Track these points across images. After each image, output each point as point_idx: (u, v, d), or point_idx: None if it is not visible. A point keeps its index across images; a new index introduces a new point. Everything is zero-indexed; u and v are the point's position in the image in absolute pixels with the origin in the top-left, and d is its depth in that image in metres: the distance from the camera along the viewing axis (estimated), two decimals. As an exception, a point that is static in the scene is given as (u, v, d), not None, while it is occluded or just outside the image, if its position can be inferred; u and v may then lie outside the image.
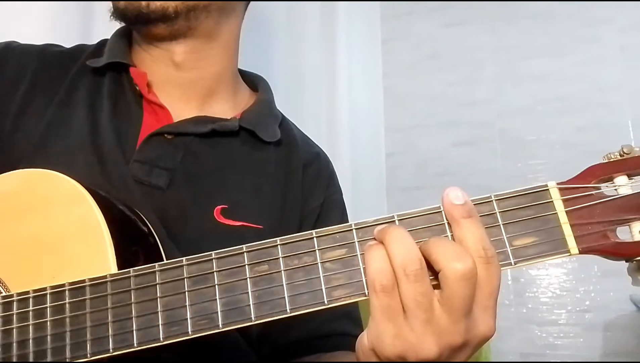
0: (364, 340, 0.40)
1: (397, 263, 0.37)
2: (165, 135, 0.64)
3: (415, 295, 0.37)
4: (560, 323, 1.93)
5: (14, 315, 0.45)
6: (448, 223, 0.40)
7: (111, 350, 0.42)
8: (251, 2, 0.76)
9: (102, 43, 0.71)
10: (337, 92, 1.85)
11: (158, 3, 0.61)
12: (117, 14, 0.63)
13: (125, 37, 0.71)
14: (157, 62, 0.68)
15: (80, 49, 0.72)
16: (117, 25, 0.71)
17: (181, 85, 0.69)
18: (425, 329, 0.37)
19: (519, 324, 1.97)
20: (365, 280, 0.39)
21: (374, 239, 0.40)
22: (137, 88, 0.65)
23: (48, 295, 0.45)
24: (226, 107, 0.72)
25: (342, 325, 0.68)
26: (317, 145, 0.81)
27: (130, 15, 0.62)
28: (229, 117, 0.70)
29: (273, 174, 0.69)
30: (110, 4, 0.64)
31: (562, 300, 1.94)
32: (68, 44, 0.74)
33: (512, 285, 2.01)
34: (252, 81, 0.79)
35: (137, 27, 0.66)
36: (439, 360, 0.38)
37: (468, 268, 0.36)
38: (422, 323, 0.37)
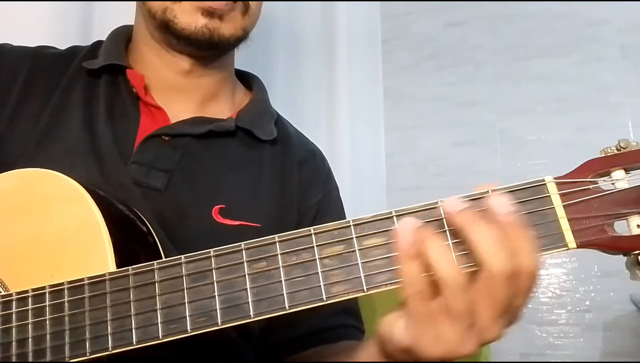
0: (396, 337, 0.40)
1: (443, 275, 0.37)
2: (163, 136, 0.64)
3: (461, 304, 0.37)
4: (560, 323, 1.92)
5: (13, 314, 0.45)
6: (445, 219, 0.40)
7: (110, 348, 0.42)
8: (251, 2, 0.76)
9: (97, 44, 0.71)
10: (337, 92, 1.85)
11: (228, 35, 0.64)
12: (181, 37, 0.63)
13: (121, 38, 0.70)
14: (165, 68, 0.68)
15: (74, 50, 0.71)
16: (116, 26, 0.71)
17: (185, 89, 0.69)
18: (470, 332, 0.38)
19: (519, 324, 1.95)
20: (404, 285, 0.39)
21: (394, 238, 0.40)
22: (134, 90, 0.65)
23: (47, 294, 0.45)
24: (223, 108, 0.72)
25: (344, 318, 0.69)
26: (312, 142, 0.81)
27: (202, 42, 0.63)
28: (225, 117, 0.70)
29: (270, 173, 0.69)
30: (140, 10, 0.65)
31: (562, 300, 1.94)
32: (67, 44, 0.74)
33: (512, 285, 2.00)
34: (246, 79, 0.79)
35: (200, 52, 0.66)
36: (475, 352, 0.39)
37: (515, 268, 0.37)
38: (466, 327, 0.38)
